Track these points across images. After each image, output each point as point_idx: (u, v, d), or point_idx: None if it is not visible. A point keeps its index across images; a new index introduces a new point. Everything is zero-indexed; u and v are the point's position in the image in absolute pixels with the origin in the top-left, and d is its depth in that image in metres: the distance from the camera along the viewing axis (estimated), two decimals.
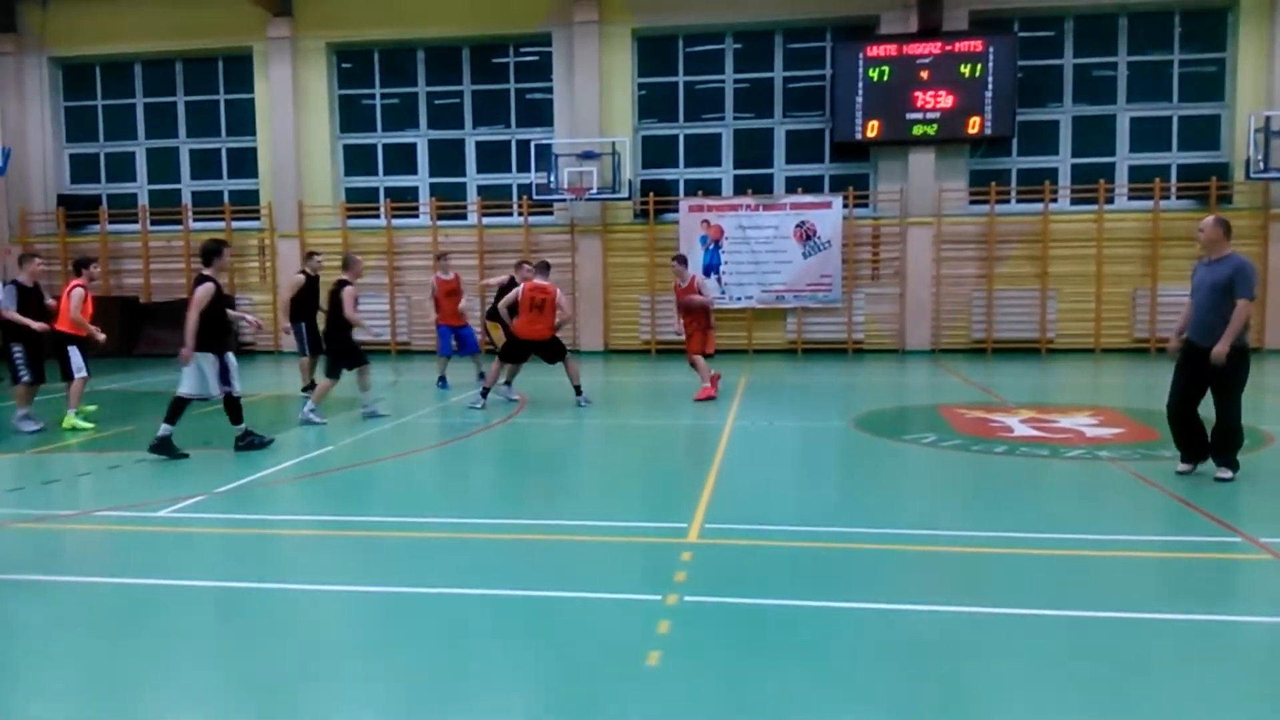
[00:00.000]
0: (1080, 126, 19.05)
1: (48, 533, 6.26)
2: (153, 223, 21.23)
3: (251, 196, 21.06)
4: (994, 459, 8.34)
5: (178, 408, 8.70)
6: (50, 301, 10.64)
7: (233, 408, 8.93)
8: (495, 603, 4.74)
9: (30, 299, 10.42)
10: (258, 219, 20.84)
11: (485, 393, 11.74)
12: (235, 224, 20.77)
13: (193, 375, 8.73)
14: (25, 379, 10.29)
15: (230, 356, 8.90)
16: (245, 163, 21.20)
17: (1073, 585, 4.93)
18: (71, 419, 10.33)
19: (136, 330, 20.04)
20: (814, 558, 5.51)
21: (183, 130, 21.55)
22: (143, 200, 21.60)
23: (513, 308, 11.68)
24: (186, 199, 21.44)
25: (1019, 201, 19.04)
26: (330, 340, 10.99)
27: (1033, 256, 18.76)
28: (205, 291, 8.69)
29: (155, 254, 21.08)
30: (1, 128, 13.55)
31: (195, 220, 21.06)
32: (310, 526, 6.48)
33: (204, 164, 21.58)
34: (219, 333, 8.86)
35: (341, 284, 10.73)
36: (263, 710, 3.65)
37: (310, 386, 12.70)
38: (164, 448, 8.55)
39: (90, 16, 20.81)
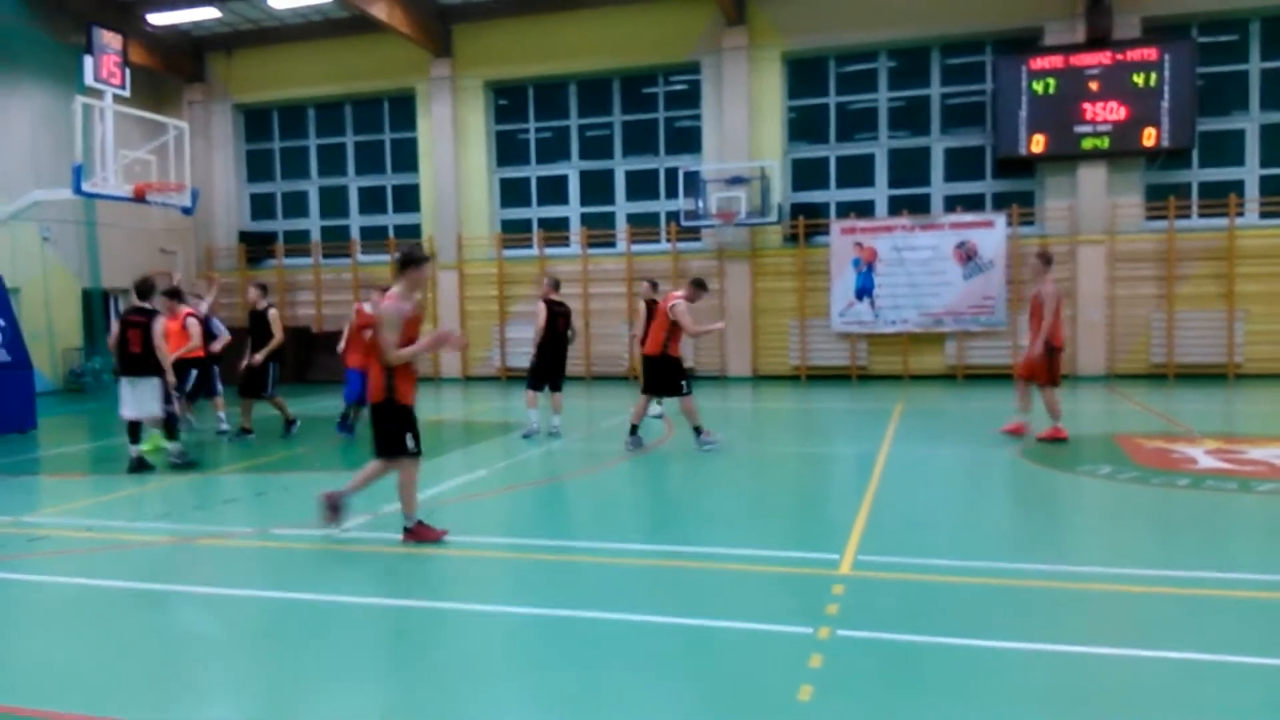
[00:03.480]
0: (1269, 135, 17.62)
1: (227, 549, 6.61)
2: (324, 256, 22.48)
3: (414, 230, 22.01)
4: (1176, 493, 7.71)
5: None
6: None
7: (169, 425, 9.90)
8: (642, 629, 4.67)
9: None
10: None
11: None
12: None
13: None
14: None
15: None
16: (408, 198, 22.19)
17: (1262, 631, 4.45)
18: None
19: (309, 358, 21.19)
20: (976, 595, 5.19)
21: (351, 169, 22.78)
22: (315, 236, 22.92)
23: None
24: (355, 234, 22.62)
25: (1201, 216, 17.76)
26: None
27: (1218, 275, 17.43)
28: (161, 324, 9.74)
29: (326, 286, 22.30)
30: (191, 170, 14.63)
31: (363, 254, 22.17)
32: (465, 548, 6.59)
33: (371, 200, 22.74)
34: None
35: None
36: None
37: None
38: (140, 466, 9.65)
39: (268, 64, 22.34)
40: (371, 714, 3.84)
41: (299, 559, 6.29)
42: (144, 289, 9.83)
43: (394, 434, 6.32)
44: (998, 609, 4.93)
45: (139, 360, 9.55)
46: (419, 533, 6.43)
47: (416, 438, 6.40)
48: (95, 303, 20.35)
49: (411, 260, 6.42)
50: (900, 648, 4.33)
